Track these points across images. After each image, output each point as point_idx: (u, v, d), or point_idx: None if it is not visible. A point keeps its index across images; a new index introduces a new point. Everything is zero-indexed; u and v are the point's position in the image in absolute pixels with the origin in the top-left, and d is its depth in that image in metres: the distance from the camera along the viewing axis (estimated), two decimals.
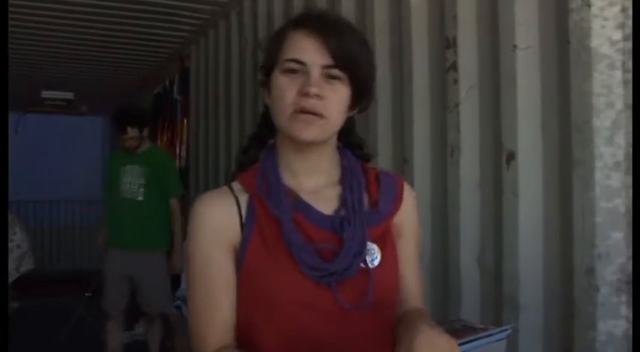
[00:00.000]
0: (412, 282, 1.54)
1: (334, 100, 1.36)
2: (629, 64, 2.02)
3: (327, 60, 1.35)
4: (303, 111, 1.33)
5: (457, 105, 2.74)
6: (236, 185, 1.44)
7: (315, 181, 1.45)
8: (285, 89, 1.35)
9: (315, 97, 1.33)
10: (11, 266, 4.20)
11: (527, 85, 2.43)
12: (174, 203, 5.15)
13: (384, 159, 3.13)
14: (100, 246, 5.34)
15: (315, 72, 1.34)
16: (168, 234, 5.15)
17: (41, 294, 7.57)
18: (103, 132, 12.86)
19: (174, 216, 5.12)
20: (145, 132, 5.24)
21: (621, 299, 2.09)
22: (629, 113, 2.03)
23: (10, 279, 4.19)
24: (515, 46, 2.45)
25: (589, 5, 2.15)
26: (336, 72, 1.36)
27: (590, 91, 2.15)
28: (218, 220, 1.39)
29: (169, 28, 6.33)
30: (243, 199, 1.41)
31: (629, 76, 2.01)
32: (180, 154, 7.01)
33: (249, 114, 5.08)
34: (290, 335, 1.35)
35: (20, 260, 4.53)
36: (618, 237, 2.09)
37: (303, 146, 1.40)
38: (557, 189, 2.33)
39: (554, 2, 2.34)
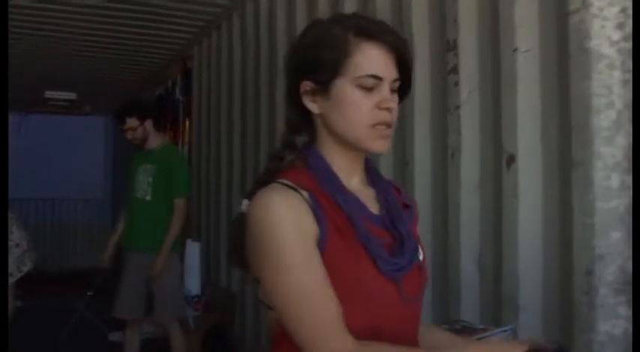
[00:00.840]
0: None
1: (396, 110, 1.40)
2: (629, 64, 2.00)
3: (395, 74, 1.38)
4: (382, 124, 1.37)
5: (458, 107, 2.75)
6: (286, 182, 1.38)
7: (356, 182, 1.47)
8: (363, 103, 1.36)
9: (392, 111, 1.37)
10: (12, 266, 4.19)
11: (527, 88, 2.44)
12: (177, 203, 4.78)
13: (385, 161, 3.13)
14: (105, 253, 5.25)
15: (388, 86, 1.37)
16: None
17: (43, 293, 7.56)
18: (106, 132, 12.86)
19: (174, 216, 4.76)
20: (148, 124, 4.89)
21: (620, 299, 2.10)
22: (629, 113, 2.01)
23: (13, 279, 4.18)
24: (515, 49, 2.46)
25: (588, 7, 2.15)
26: (397, 84, 1.40)
27: (589, 92, 2.16)
28: (300, 216, 1.33)
29: (172, 29, 6.35)
30: (305, 195, 1.36)
31: (629, 75, 1.99)
32: None
33: (251, 114, 5.09)
34: (362, 325, 1.35)
35: (22, 258, 4.52)
36: (617, 238, 2.09)
37: (370, 155, 1.45)
38: (556, 191, 2.34)
39: (553, 5, 2.35)
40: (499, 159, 2.55)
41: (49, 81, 8.45)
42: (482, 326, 2.04)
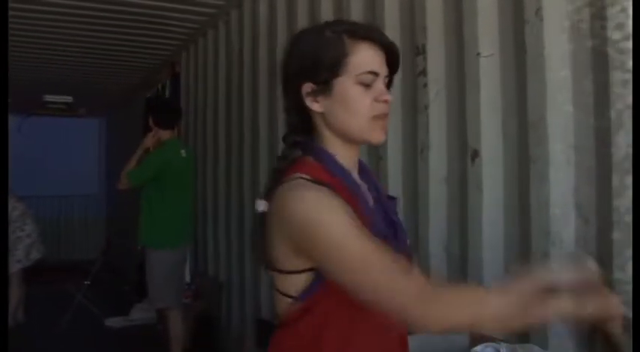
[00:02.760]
0: None
1: (390, 103, 1.43)
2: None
3: (387, 71, 1.42)
4: (380, 116, 1.39)
5: (426, 107, 2.78)
6: (307, 177, 1.35)
7: (355, 175, 1.48)
8: (364, 98, 1.38)
9: (387, 103, 1.40)
10: (22, 253, 4.22)
11: (489, 89, 2.47)
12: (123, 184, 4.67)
13: (361, 156, 3.15)
14: None
15: (383, 81, 1.40)
16: (156, 229, 4.61)
17: (43, 283, 7.53)
18: (99, 133, 12.81)
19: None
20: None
21: None
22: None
23: (20, 266, 4.21)
24: (478, 54, 2.49)
25: (542, 19, 2.19)
26: (387, 80, 1.43)
27: (544, 92, 2.19)
28: (336, 200, 1.31)
29: (162, 36, 6.32)
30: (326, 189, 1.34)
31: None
32: None
33: (235, 116, 5.09)
34: None
35: (30, 248, 4.53)
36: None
37: (355, 145, 1.45)
38: (516, 183, 2.38)
39: (511, 15, 2.39)
40: (464, 154, 2.58)
41: (48, 85, 8.39)
42: None
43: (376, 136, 1.40)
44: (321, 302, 1.34)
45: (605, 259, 2.00)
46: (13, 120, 10.25)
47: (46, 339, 5.61)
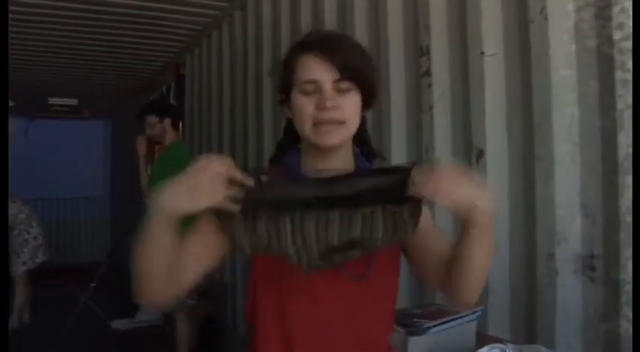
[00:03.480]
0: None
1: (349, 108, 1.45)
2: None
3: (335, 75, 1.42)
4: (322, 122, 1.43)
5: (431, 107, 2.77)
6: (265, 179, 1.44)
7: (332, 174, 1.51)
8: (304, 106, 1.44)
9: (331, 109, 1.42)
10: (27, 256, 4.23)
11: (493, 88, 2.46)
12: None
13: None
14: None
15: (327, 87, 1.42)
16: None
17: (49, 285, 7.53)
18: (105, 135, 12.83)
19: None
20: (167, 122, 4.90)
21: (578, 280, 2.13)
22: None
23: (26, 268, 4.23)
24: (482, 53, 2.48)
25: (546, 18, 2.18)
26: (344, 84, 1.44)
27: (549, 91, 2.18)
28: None
29: (166, 38, 6.33)
30: None
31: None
32: None
33: (239, 117, 5.09)
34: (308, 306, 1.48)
35: (35, 251, 4.52)
36: (577, 226, 2.10)
37: (325, 149, 1.48)
38: (521, 183, 2.36)
39: (516, 14, 2.38)
40: (469, 154, 2.57)
41: (53, 88, 8.42)
42: (455, 309, 2.07)
43: (322, 140, 1.45)
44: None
45: (611, 259, 1.99)
46: (18, 124, 10.32)
47: (51, 341, 5.62)
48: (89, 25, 5.74)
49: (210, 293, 5.41)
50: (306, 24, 3.82)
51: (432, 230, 1.57)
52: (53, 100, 8.61)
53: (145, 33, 6.09)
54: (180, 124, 6.91)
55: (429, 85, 2.78)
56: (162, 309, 4.89)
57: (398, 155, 2.99)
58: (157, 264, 1.32)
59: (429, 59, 2.77)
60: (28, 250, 4.24)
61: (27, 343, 4.56)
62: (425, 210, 1.49)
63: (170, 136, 4.92)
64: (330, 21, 3.56)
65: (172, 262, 1.33)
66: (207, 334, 5.17)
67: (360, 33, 3.26)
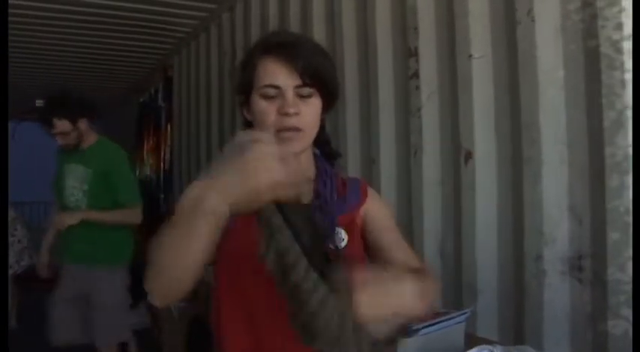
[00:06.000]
0: (408, 258, 1.50)
1: (309, 114, 1.42)
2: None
3: (297, 81, 1.40)
4: (285, 129, 1.39)
5: (419, 109, 2.77)
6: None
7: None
8: (266, 111, 1.40)
9: (293, 115, 1.39)
10: (12, 259, 4.21)
11: (481, 90, 2.47)
12: (133, 211, 3.82)
13: (353, 159, 3.15)
14: (41, 263, 4.21)
15: (290, 93, 1.40)
16: (126, 247, 3.99)
17: (37, 288, 7.46)
18: None
19: (128, 221, 3.85)
20: (83, 124, 3.85)
21: (566, 280, 2.13)
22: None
23: (11, 271, 4.20)
24: (470, 56, 2.49)
25: (533, 20, 2.19)
26: (307, 90, 1.41)
27: (536, 93, 2.19)
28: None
29: (153, 40, 6.33)
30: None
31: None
32: (164, 158, 7.02)
33: (227, 118, 5.09)
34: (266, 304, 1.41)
35: (21, 254, 4.53)
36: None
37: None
38: (509, 184, 2.37)
39: (503, 16, 2.39)
40: (458, 156, 2.58)
41: (39, 90, 8.38)
42: (444, 310, 2.07)
43: (285, 148, 1.36)
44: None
45: (599, 259, 2.00)
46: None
47: (38, 345, 5.57)
48: (77, 27, 5.72)
49: (198, 294, 5.40)
50: (294, 26, 3.82)
51: (392, 229, 1.56)
52: (41, 102, 8.57)
53: (132, 35, 6.08)
54: (169, 127, 6.92)
55: (417, 87, 2.78)
56: (168, 304, 4.86)
57: (387, 157, 3.00)
58: (192, 259, 1.18)
59: (417, 61, 2.78)
60: (13, 253, 4.22)
61: (12, 348, 4.53)
62: (386, 210, 1.53)
63: (92, 137, 3.96)
64: (318, 22, 3.56)
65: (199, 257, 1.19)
66: (196, 337, 5.15)
67: (349, 34, 3.27)
